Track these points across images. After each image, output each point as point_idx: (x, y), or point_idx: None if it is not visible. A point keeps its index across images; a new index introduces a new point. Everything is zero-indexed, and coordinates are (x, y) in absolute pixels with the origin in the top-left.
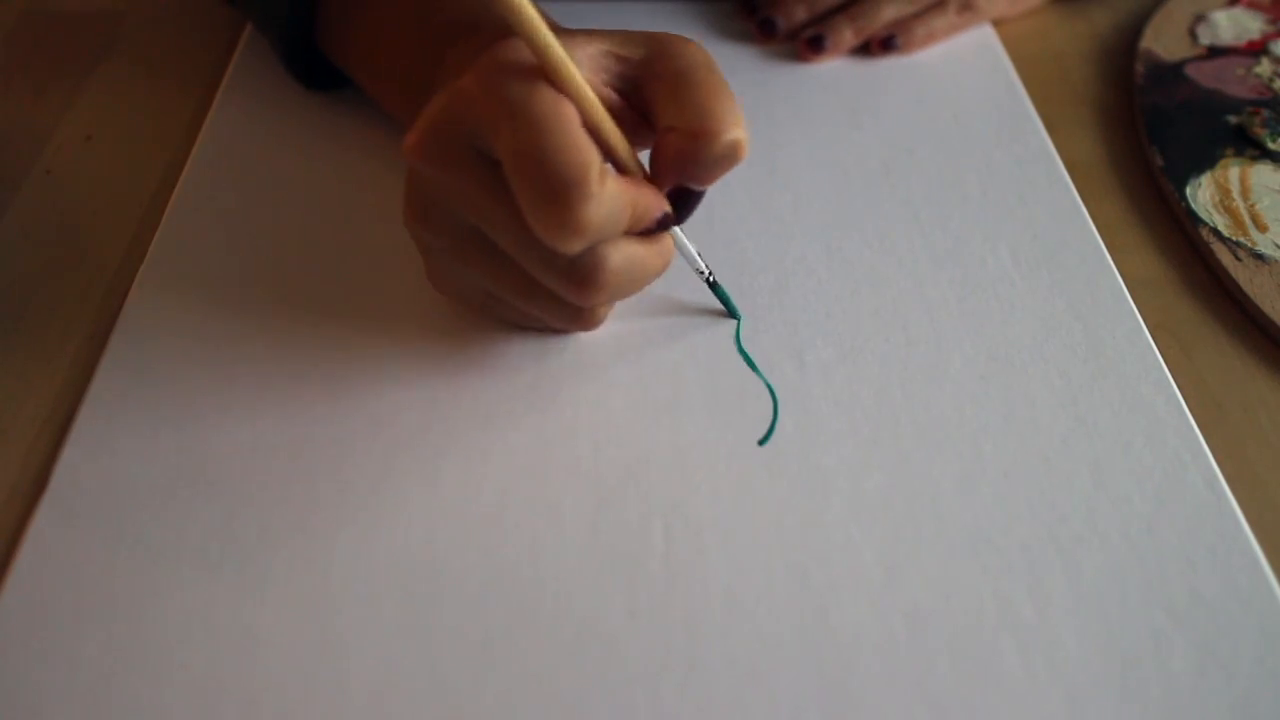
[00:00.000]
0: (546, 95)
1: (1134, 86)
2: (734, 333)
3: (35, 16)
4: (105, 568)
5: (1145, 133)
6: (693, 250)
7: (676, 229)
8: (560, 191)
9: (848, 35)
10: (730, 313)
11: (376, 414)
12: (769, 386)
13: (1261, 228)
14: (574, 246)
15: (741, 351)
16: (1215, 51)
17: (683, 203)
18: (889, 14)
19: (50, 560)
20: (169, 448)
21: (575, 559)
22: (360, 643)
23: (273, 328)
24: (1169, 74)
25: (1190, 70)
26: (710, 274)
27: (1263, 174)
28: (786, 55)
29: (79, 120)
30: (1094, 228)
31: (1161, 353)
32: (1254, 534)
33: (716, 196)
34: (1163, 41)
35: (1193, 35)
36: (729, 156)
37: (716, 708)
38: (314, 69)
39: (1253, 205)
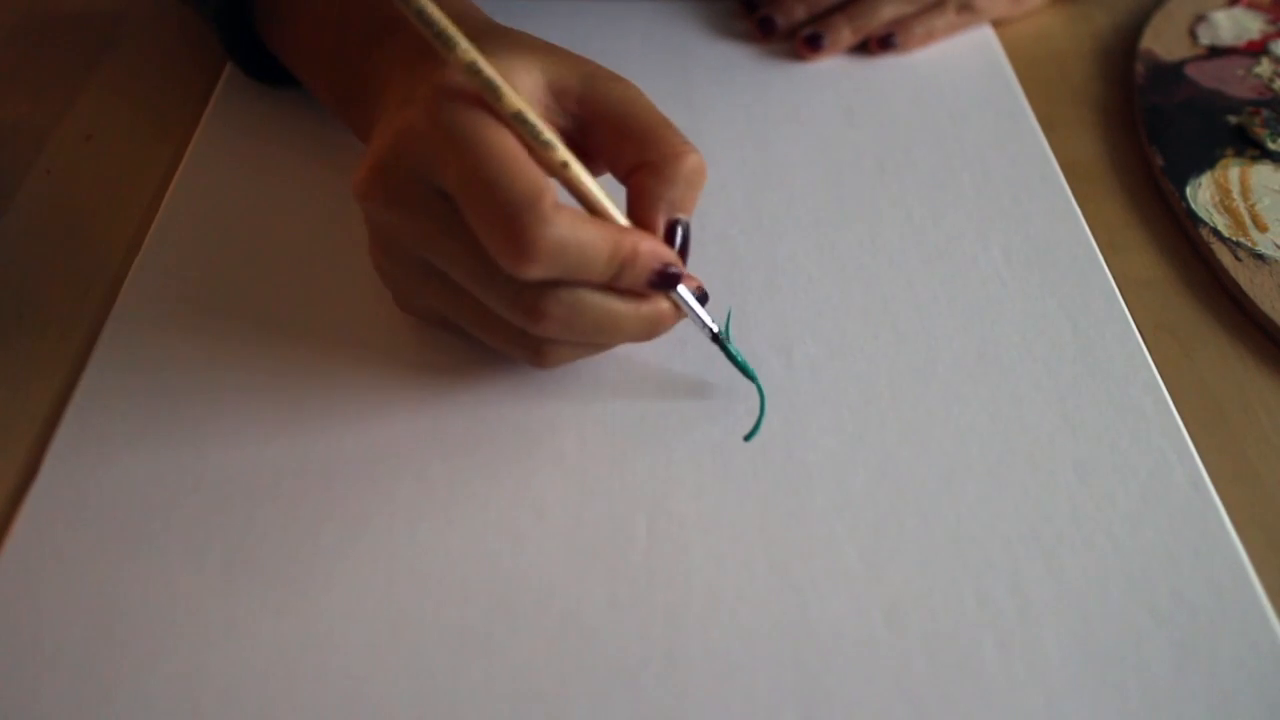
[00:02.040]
0: (491, 124)
1: (1134, 86)
2: (723, 328)
3: (35, 16)
4: (91, 561)
5: (1145, 133)
6: (699, 309)
7: (686, 293)
8: (513, 215)
9: (846, 34)
10: (746, 375)
11: (363, 410)
12: (756, 382)
13: (1261, 228)
14: (530, 270)
15: (729, 348)
16: (1215, 51)
17: (676, 244)
18: (888, 13)
19: (36, 554)
20: (157, 443)
21: (558, 551)
22: (343, 634)
23: (264, 326)
24: (1169, 74)
25: (1190, 70)
26: (718, 330)
27: (1263, 174)
28: (785, 54)
29: (79, 120)
30: (1087, 228)
31: (1161, 353)
32: (1254, 534)
33: (710, 193)
34: (1163, 41)
35: (1193, 35)
36: (698, 175)
37: (695, 700)
38: (260, 61)
39: (1253, 205)
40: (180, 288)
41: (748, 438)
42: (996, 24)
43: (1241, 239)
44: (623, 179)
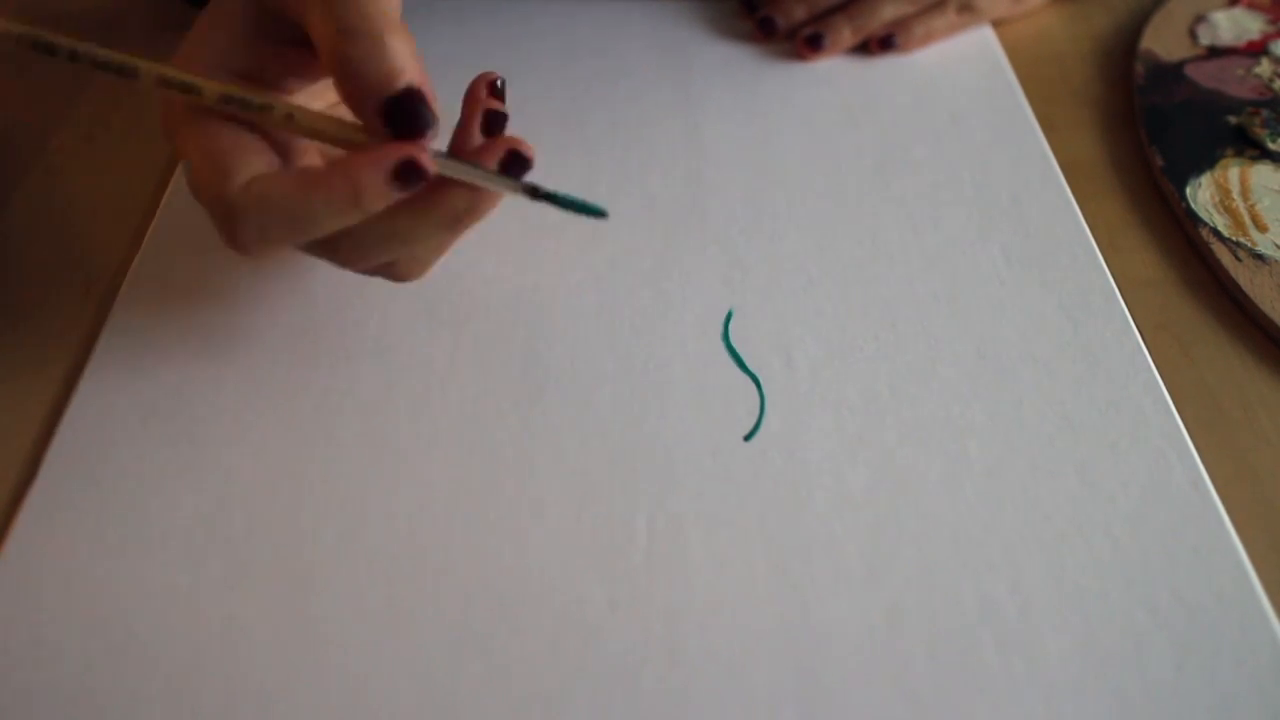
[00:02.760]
0: (192, 134)
1: (1134, 86)
2: (722, 328)
3: (35, 16)
4: (91, 561)
5: (1145, 133)
6: (471, 172)
7: (453, 164)
8: (219, 224)
9: (846, 34)
10: (586, 211)
11: (363, 407)
12: (756, 382)
13: (1261, 228)
14: (257, 258)
15: (729, 347)
16: (1215, 52)
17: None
18: (888, 13)
19: (36, 554)
20: (157, 443)
21: (558, 551)
22: (342, 633)
23: (264, 326)
24: (1169, 74)
25: (1190, 70)
26: (534, 187)
27: (1263, 174)
28: (785, 54)
29: (79, 120)
30: (1087, 228)
31: (1161, 352)
32: (1254, 534)
33: (710, 193)
34: (1163, 42)
35: (1193, 35)
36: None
37: (695, 700)
38: None
39: (1253, 205)
40: (180, 287)
41: (748, 438)
42: (996, 24)
43: (1241, 239)
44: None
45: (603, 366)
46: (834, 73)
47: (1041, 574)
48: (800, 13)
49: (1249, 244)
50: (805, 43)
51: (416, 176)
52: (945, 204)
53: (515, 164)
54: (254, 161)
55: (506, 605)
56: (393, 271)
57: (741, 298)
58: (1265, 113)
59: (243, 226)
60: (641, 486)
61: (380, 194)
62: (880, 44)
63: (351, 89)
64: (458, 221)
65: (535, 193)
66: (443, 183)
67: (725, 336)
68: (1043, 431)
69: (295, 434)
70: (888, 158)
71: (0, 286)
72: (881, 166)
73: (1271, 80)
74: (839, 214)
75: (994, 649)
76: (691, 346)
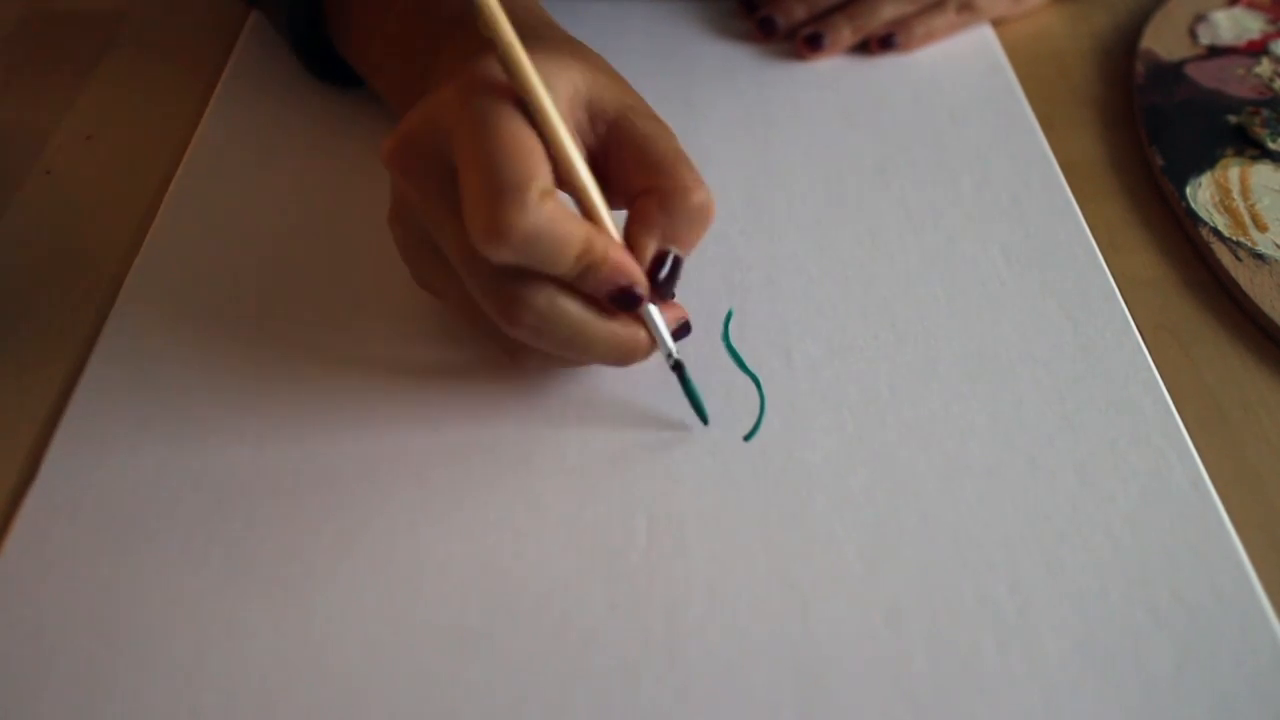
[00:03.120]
0: (508, 110)
1: (1134, 86)
2: (722, 328)
3: (35, 16)
4: (91, 561)
5: (1145, 133)
6: (663, 329)
7: (653, 310)
8: (495, 193)
9: (846, 33)
10: (698, 412)
11: (363, 409)
12: (756, 382)
13: (1261, 227)
14: (496, 250)
15: (729, 347)
16: (1215, 51)
17: (663, 273)
18: (888, 13)
19: (36, 554)
20: (157, 440)
21: (557, 551)
22: (343, 634)
23: (264, 326)
24: (1169, 74)
25: (1190, 70)
26: (676, 359)
27: (1263, 174)
28: (785, 54)
29: (79, 120)
30: (1086, 228)
31: (1162, 352)
32: (1254, 534)
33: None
34: (1163, 41)
35: (1193, 35)
36: (704, 214)
37: (695, 700)
38: (325, 60)
39: (1253, 205)
40: (180, 287)
41: (748, 438)
42: (996, 23)
43: (1241, 239)
44: (629, 205)
45: (603, 366)
46: (834, 72)
47: (1041, 574)
48: (800, 12)
49: (1249, 244)
50: (805, 42)
51: (633, 304)
52: (945, 203)
53: (682, 330)
54: (546, 173)
55: (506, 605)
56: (517, 359)
57: (741, 298)
58: (1265, 112)
59: (520, 220)
60: (641, 487)
61: (605, 284)
62: (880, 43)
63: (645, 225)
64: (623, 359)
65: (678, 369)
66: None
67: (725, 336)
68: (1042, 431)
69: (295, 433)
70: (888, 157)
71: (0, 286)
72: (881, 166)
73: (1271, 80)
74: (839, 214)
75: (994, 649)
76: (692, 346)
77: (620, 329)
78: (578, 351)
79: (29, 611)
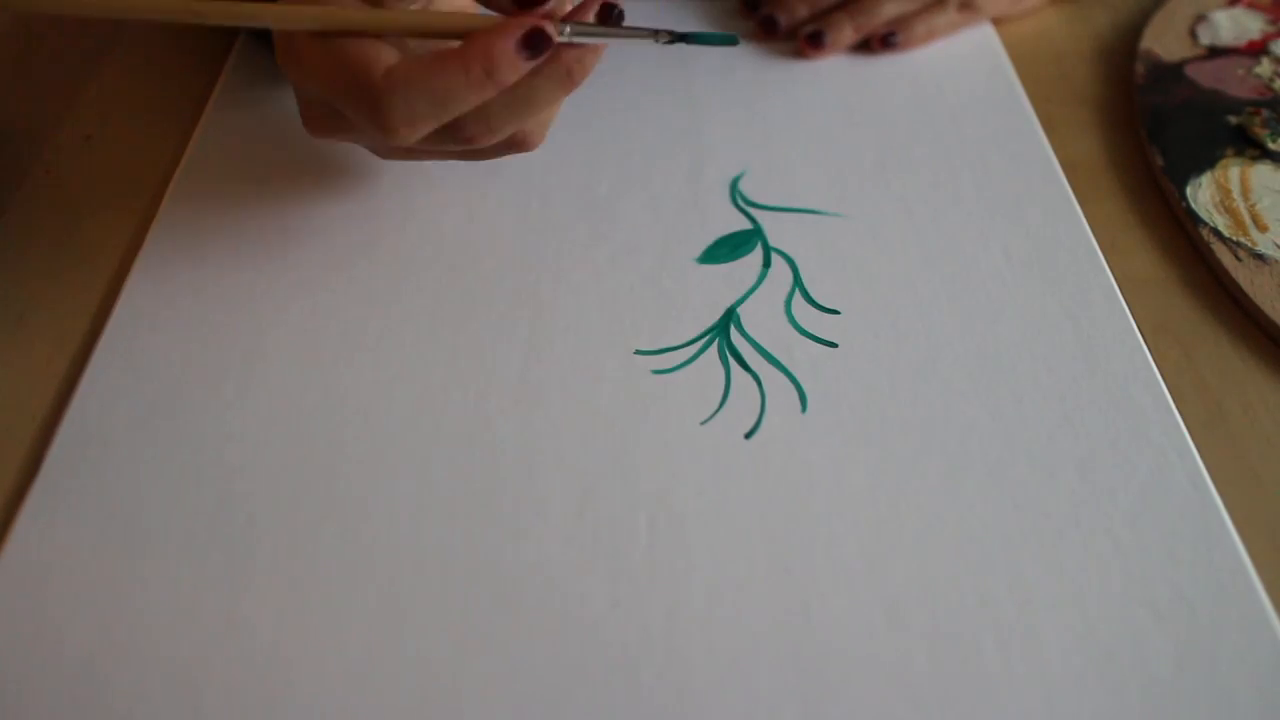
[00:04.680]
0: (312, 52)
1: (1134, 86)
2: (724, 325)
3: (35, 17)
4: (93, 555)
5: (1145, 133)
6: (597, 32)
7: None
8: (365, 107)
9: (848, 32)
10: (721, 40)
11: (365, 406)
12: (757, 380)
13: (1262, 228)
14: (406, 139)
15: (730, 344)
16: (1215, 51)
17: (614, 12)
18: (889, 11)
19: (36, 554)
20: (157, 440)
21: (559, 549)
22: (343, 634)
23: (263, 326)
24: (1169, 74)
25: (1190, 70)
26: (673, 32)
27: (1263, 174)
28: (786, 53)
29: (79, 120)
30: (1088, 227)
31: (1162, 353)
32: (1254, 534)
33: (710, 191)
34: (1163, 41)
35: (1193, 35)
36: None
37: (696, 698)
38: None
39: (1253, 205)
40: (180, 287)
41: (749, 435)
42: (997, 23)
43: (1242, 239)
44: None
45: (604, 365)
46: (835, 71)
47: (1041, 573)
48: (802, 11)
49: (1249, 244)
50: (807, 40)
51: (544, 44)
52: (946, 202)
53: (610, 14)
54: (386, 55)
55: (508, 603)
56: (518, 142)
57: (742, 296)
58: (1265, 112)
59: (390, 111)
60: (642, 484)
61: (512, 64)
62: (881, 42)
63: None
64: (570, 78)
65: (671, 37)
66: (557, 48)
67: (726, 334)
68: (1043, 430)
69: (296, 433)
70: (888, 156)
71: (0, 286)
72: (882, 165)
73: (1272, 80)
74: (839, 212)
75: (994, 647)
76: (693, 344)
77: (553, 65)
78: (543, 106)
79: (29, 611)
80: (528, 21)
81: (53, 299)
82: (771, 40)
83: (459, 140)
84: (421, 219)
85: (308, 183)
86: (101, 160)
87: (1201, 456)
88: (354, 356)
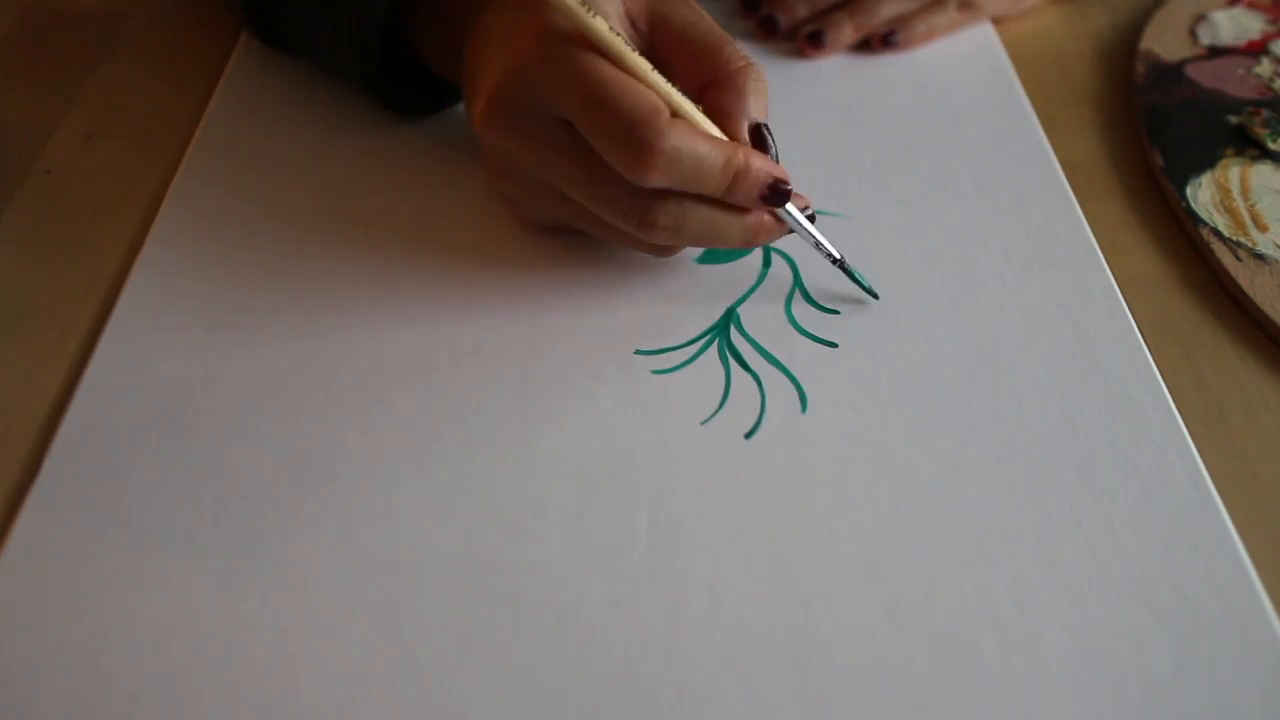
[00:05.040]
0: (592, 53)
1: (1134, 86)
2: (724, 326)
3: (35, 16)
4: (91, 561)
5: (1145, 133)
6: (812, 228)
7: (794, 210)
8: (633, 128)
9: (848, 31)
10: (868, 292)
11: (365, 407)
12: (757, 380)
13: (1262, 228)
14: (650, 178)
15: (730, 344)
16: (1215, 51)
17: (769, 146)
18: (889, 11)
19: (36, 554)
20: (157, 440)
21: (559, 549)
22: (344, 633)
23: (263, 326)
24: (1169, 74)
25: (1190, 70)
26: (839, 255)
27: (1263, 174)
28: (786, 53)
29: (79, 120)
30: (1088, 227)
31: (1162, 353)
32: (1254, 534)
33: None
34: (1163, 41)
35: (1193, 35)
36: (764, 80)
37: (695, 699)
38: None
39: (1253, 205)
40: (180, 288)
41: (748, 435)
42: (997, 22)
43: (1242, 239)
44: (696, 99)
45: (604, 364)
46: (835, 70)
47: (1041, 572)
48: (802, 11)
49: (1249, 244)
50: (807, 40)
51: (781, 199)
52: (946, 202)
53: (777, 194)
54: (660, 99)
55: (507, 603)
56: (665, 250)
57: (742, 296)
58: (1265, 112)
59: (658, 152)
60: (642, 484)
61: (753, 190)
62: (882, 41)
63: (727, 111)
64: (755, 239)
65: (838, 263)
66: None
67: (726, 334)
68: (1043, 430)
69: (296, 432)
70: (888, 156)
71: (0, 286)
72: (882, 165)
73: (1272, 80)
74: (839, 211)
75: (994, 647)
76: (693, 344)
77: (747, 216)
78: (713, 241)
79: (29, 611)
80: (784, 176)
81: (53, 299)
82: (771, 40)
83: (647, 224)
84: (421, 219)
85: (308, 182)
86: (101, 160)
87: (1201, 456)
88: (354, 355)
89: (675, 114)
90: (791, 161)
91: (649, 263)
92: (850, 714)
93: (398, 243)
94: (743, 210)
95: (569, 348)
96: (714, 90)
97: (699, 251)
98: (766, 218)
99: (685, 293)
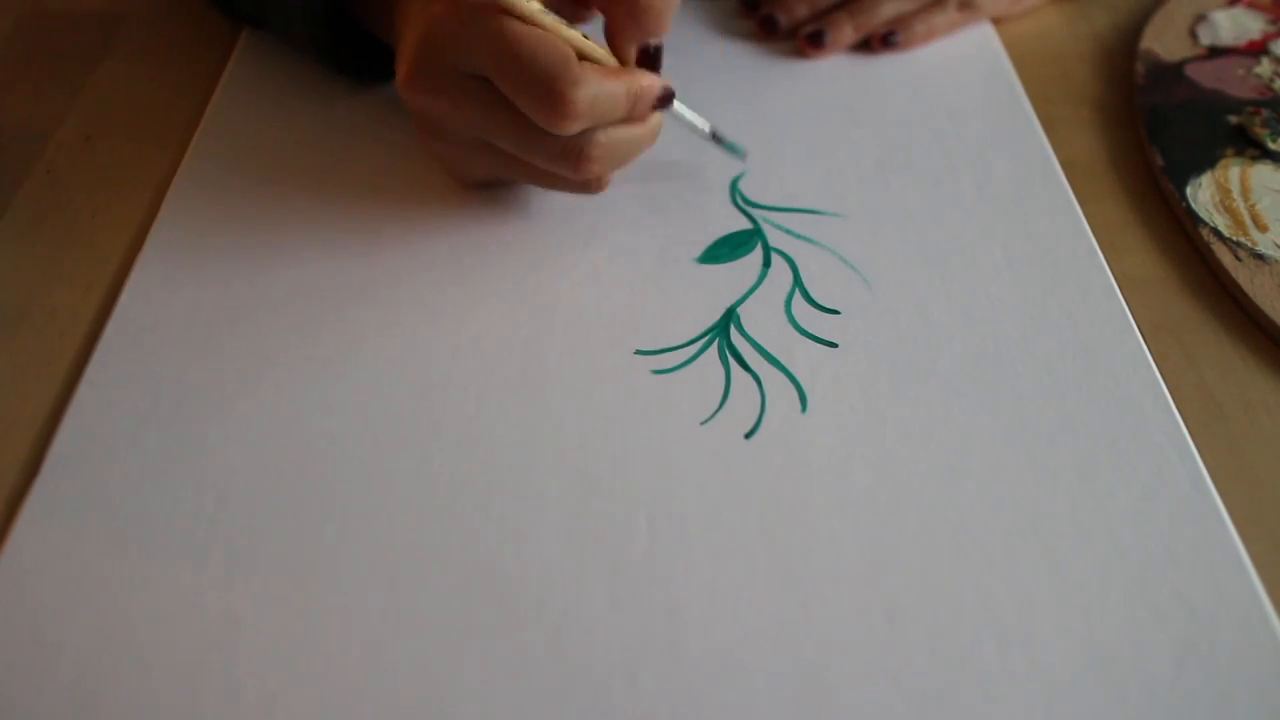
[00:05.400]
0: (498, 12)
1: (1134, 86)
2: (724, 325)
3: (35, 16)
4: (91, 561)
5: (1145, 133)
6: (690, 114)
7: (678, 106)
8: (549, 83)
9: (848, 31)
10: (733, 151)
11: (364, 406)
12: (757, 380)
13: (1262, 228)
14: (571, 126)
15: (730, 344)
16: (1215, 51)
17: (651, 67)
18: (889, 11)
19: (36, 554)
20: (157, 440)
21: (559, 549)
22: (344, 633)
23: (263, 326)
24: (1169, 74)
25: (1190, 70)
26: (711, 127)
27: (1263, 174)
28: (786, 53)
29: (79, 120)
30: (1088, 227)
31: (1162, 353)
32: (1253, 534)
33: (711, 191)
34: (1163, 41)
35: (1193, 35)
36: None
37: (695, 698)
38: (342, 46)
39: (1253, 205)
40: (180, 288)
41: (749, 435)
42: (997, 22)
43: (1242, 239)
44: (602, 8)
45: (604, 364)
46: (835, 70)
47: (1041, 573)
48: (802, 11)
49: (1249, 244)
50: (807, 40)
51: (668, 102)
52: (946, 202)
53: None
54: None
55: (507, 603)
56: (595, 184)
57: (742, 296)
58: (1265, 112)
59: (575, 99)
60: (642, 484)
61: (648, 103)
62: (882, 41)
63: (625, 35)
64: (654, 138)
65: (713, 136)
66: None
67: (726, 334)
68: (1043, 431)
69: (296, 432)
70: (889, 156)
71: (0, 286)
72: (882, 165)
73: (1272, 80)
74: (839, 212)
75: (994, 647)
76: (693, 344)
77: (649, 121)
78: (634, 155)
79: (29, 611)
80: (667, 85)
81: (53, 299)
82: (771, 40)
83: (571, 160)
84: (421, 219)
85: (308, 182)
86: (101, 160)
87: (1201, 456)
88: (354, 356)
89: (582, 56)
90: (792, 161)
91: (649, 263)
92: (850, 714)
93: (399, 243)
94: (643, 120)
95: (569, 347)
96: (613, 8)
97: (698, 250)
98: (658, 116)
99: (685, 293)
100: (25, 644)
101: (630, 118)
